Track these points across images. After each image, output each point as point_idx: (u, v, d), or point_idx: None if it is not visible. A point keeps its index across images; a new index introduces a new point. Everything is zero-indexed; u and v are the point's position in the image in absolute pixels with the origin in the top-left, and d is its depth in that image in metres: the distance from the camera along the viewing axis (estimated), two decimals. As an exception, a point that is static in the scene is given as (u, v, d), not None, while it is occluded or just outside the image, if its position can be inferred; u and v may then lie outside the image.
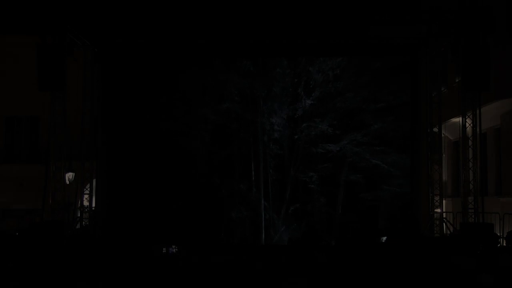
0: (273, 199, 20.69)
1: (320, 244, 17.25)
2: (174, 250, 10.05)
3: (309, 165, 20.70)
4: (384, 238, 16.04)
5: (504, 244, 15.08)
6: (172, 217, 18.24)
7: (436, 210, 18.31)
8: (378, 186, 20.59)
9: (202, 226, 18.91)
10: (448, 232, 17.64)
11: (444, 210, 18.79)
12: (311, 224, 20.00)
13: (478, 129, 16.55)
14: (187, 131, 19.74)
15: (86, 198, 18.30)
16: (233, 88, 20.55)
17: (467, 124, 16.77)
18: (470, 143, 16.78)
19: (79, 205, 18.12)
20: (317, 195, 20.78)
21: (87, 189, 18.37)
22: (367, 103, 20.65)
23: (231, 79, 20.45)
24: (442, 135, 19.25)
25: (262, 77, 20.58)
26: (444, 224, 18.16)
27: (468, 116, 16.70)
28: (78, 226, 17.66)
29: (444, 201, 19.22)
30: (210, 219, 19.37)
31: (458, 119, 17.37)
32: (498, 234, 15.96)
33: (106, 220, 18.11)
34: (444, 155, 20.79)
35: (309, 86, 20.98)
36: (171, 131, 19.15)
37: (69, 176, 20.73)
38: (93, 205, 18.59)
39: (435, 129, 18.71)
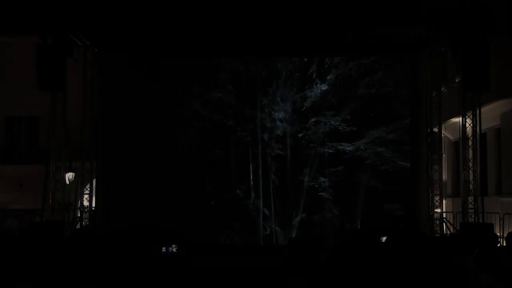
0: (275, 208, 18.62)
1: (320, 244, 17.19)
2: (173, 249, 10.06)
3: (319, 169, 18.46)
4: (384, 238, 16.02)
5: (505, 245, 15.06)
6: (172, 218, 18.18)
7: (436, 210, 18.31)
8: (410, 195, 18.30)
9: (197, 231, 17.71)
10: (448, 232, 17.64)
11: (444, 210, 18.79)
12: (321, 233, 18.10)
13: (478, 129, 16.56)
14: (184, 130, 18.88)
15: (86, 198, 18.30)
16: (227, 75, 18.58)
17: (467, 124, 16.77)
18: (470, 143, 16.79)
19: (79, 205, 18.12)
20: (330, 204, 18.38)
21: (87, 189, 18.37)
22: (399, 87, 18.31)
23: (225, 64, 18.62)
24: (442, 135, 19.25)
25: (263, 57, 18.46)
26: (444, 224, 18.16)
27: (468, 116, 16.70)
28: (78, 226, 17.66)
29: (444, 201, 19.22)
30: (205, 229, 17.96)
31: (458, 119, 17.37)
32: (498, 234, 15.95)
33: (106, 220, 18.10)
34: (444, 155, 20.79)
35: (324, 66, 18.61)
36: (170, 130, 19.01)
37: (69, 176, 20.75)
38: (93, 205, 18.58)
39: (435, 129, 18.70)
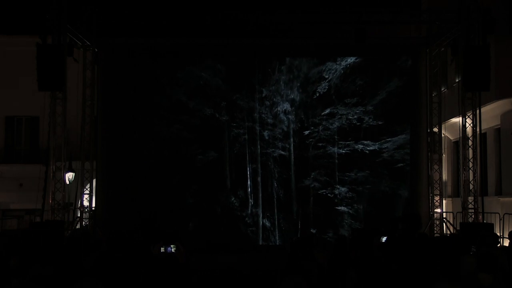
0: (278, 223, 16.12)
1: (320, 244, 17.03)
2: (172, 249, 10.04)
3: (331, 174, 15.80)
4: (384, 238, 15.97)
5: (505, 244, 15.07)
6: (171, 218, 18.17)
7: (436, 210, 18.31)
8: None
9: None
10: (448, 232, 17.64)
11: (444, 210, 18.80)
12: None
13: (478, 129, 16.56)
14: (180, 128, 17.89)
15: (86, 198, 18.30)
16: (221, 57, 16.28)
17: (467, 124, 16.78)
18: (470, 143, 16.78)
19: (79, 205, 18.13)
20: (349, 219, 15.60)
21: (87, 189, 18.38)
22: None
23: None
24: (442, 135, 19.26)
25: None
26: (444, 224, 18.16)
27: (468, 116, 16.71)
28: (78, 226, 17.66)
29: (444, 201, 19.22)
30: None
31: (458, 119, 17.38)
32: (498, 234, 15.95)
33: (106, 220, 18.11)
34: (444, 155, 20.79)
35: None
36: (170, 130, 18.89)
37: (69, 176, 20.75)
38: (93, 205, 18.59)
39: (435, 129, 18.71)
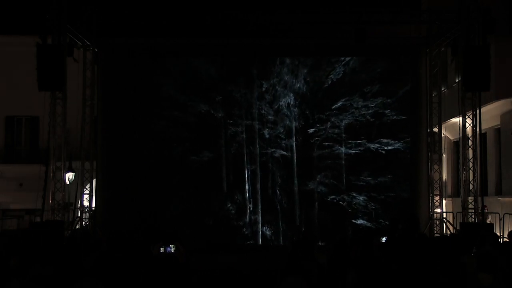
0: (279, 231, 14.61)
1: (320, 244, 17.06)
2: (171, 250, 10.05)
3: (339, 176, 13.91)
4: (384, 238, 15.96)
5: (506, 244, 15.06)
6: (171, 218, 18.18)
7: (436, 210, 18.32)
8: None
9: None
10: (448, 232, 17.65)
11: (444, 210, 18.80)
12: None
13: (478, 129, 16.57)
14: (178, 128, 17.29)
15: (86, 198, 18.31)
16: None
17: (467, 124, 16.78)
18: (470, 143, 16.79)
19: (79, 205, 18.14)
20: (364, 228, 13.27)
21: (87, 189, 18.38)
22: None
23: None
24: (442, 135, 19.26)
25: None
26: (444, 224, 18.17)
27: (468, 116, 16.71)
28: (78, 226, 17.67)
29: (444, 201, 19.23)
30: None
31: (458, 119, 17.39)
32: (498, 234, 15.95)
33: (106, 220, 18.12)
34: (444, 155, 20.79)
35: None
36: (169, 130, 18.84)
37: (69, 176, 20.76)
38: (93, 205, 18.59)
39: (435, 129, 18.72)
